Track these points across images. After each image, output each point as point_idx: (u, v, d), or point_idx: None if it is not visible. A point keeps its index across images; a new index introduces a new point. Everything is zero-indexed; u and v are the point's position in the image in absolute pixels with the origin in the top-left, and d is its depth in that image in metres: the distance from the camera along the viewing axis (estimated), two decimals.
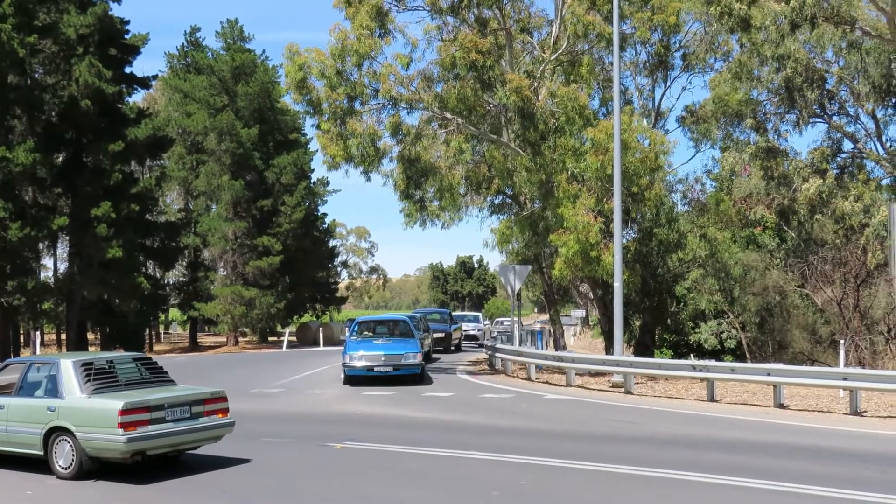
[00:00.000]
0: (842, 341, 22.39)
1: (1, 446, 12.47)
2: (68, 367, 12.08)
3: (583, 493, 10.84)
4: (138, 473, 11.98)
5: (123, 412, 11.30)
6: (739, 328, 32.03)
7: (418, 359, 24.52)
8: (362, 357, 24.20)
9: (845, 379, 18.05)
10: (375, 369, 24.07)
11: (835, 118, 34.41)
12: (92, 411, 11.60)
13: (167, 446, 11.98)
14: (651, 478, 11.54)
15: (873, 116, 34.62)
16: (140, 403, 11.57)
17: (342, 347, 26.07)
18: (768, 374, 19.27)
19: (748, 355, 31.07)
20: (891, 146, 35.27)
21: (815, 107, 32.87)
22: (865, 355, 27.14)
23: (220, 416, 12.50)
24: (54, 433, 11.83)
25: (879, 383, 17.78)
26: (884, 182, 34.35)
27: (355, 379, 24.16)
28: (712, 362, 22.58)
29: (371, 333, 26.92)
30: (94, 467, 11.74)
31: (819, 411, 18.63)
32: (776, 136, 33.65)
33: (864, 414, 17.86)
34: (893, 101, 33.35)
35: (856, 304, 29.73)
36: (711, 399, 20.32)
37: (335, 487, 11.28)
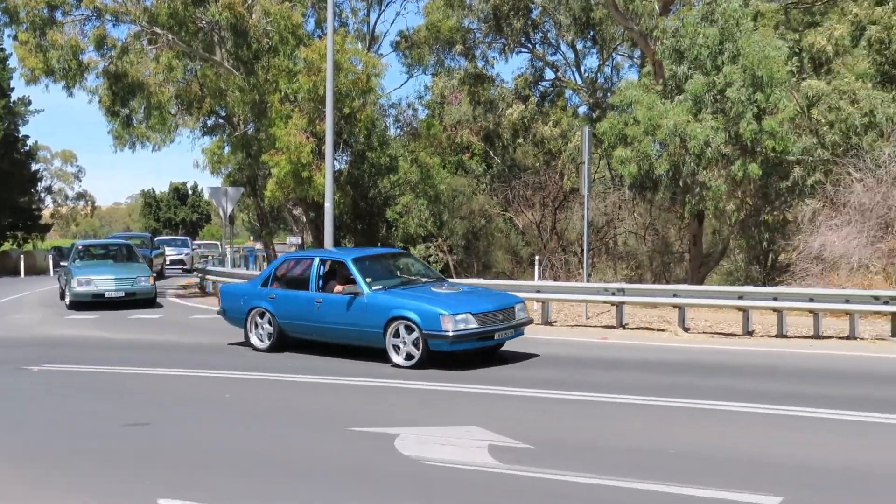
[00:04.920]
0: (537, 258, 23.90)
1: None
2: None
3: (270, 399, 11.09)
4: None
5: None
6: (447, 251, 33.28)
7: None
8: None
9: (539, 291, 19.36)
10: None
11: (538, 48, 36.14)
12: None
13: None
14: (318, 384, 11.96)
15: (573, 47, 36.71)
16: None
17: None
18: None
19: (454, 277, 32.39)
20: (588, 75, 37.59)
21: (520, 37, 34.34)
22: (560, 273, 29.06)
23: None
24: None
25: (563, 295, 19.19)
26: (581, 109, 36.65)
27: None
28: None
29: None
30: None
31: None
32: (484, 64, 34.96)
33: (553, 323, 19.23)
34: (591, 33, 35.42)
35: (553, 226, 31.72)
36: None
37: (30, 409, 10.87)
